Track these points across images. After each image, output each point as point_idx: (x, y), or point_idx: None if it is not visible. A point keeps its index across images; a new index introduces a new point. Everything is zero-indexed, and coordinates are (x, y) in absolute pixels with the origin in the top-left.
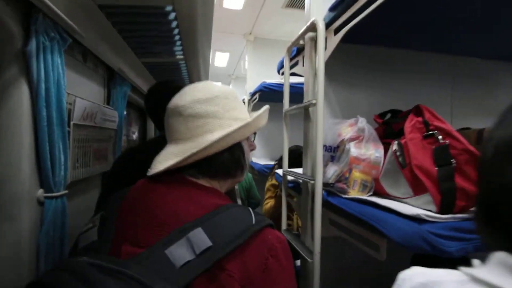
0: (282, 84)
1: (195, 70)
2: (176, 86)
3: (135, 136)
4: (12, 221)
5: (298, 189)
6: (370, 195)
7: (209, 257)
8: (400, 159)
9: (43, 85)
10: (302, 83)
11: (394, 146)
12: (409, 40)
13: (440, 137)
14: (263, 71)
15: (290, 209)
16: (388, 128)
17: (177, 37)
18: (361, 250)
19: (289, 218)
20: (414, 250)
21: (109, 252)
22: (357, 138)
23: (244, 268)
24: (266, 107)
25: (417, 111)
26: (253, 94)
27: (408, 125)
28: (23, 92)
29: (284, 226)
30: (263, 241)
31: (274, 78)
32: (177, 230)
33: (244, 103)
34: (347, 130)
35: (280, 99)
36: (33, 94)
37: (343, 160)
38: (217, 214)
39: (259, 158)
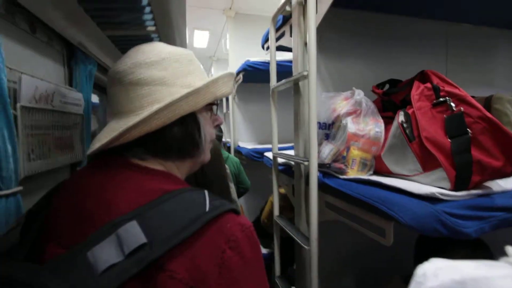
0: (267, 62)
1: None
2: None
3: None
4: None
5: (289, 172)
6: (371, 175)
7: (142, 258)
8: (407, 131)
9: None
10: (288, 61)
11: (400, 117)
12: (404, 4)
13: (452, 104)
14: (246, 51)
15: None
16: (389, 100)
17: (145, 2)
18: (361, 235)
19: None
20: (427, 233)
21: (28, 255)
22: (354, 113)
23: (192, 266)
24: (228, 71)
25: (423, 77)
26: (236, 75)
27: (415, 93)
28: None
29: (276, 212)
30: (219, 231)
31: (257, 57)
32: (108, 225)
33: None
34: (342, 104)
35: (266, 79)
36: None
37: (339, 138)
38: (161, 202)
39: (246, 142)
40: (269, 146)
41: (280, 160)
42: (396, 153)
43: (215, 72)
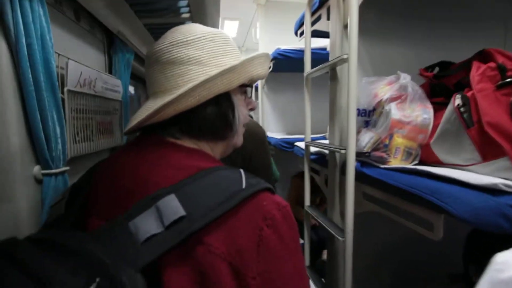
0: (299, 50)
1: None
2: None
3: None
4: (7, 203)
5: (321, 161)
6: (416, 165)
7: (182, 230)
8: (465, 116)
9: (23, 41)
10: (321, 48)
11: (457, 101)
12: None
13: None
14: (276, 40)
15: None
16: (440, 84)
17: None
18: (399, 225)
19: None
20: (488, 229)
21: (72, 226)
22: (399, 98)
23: (231, 241)
24: (263, 52)
25: (484, 56)
26: None
27: (475, 74)
28: (1, 50)
29: (307, 202)
30: (256, 208)
31: (289, 45)
32: (147, 199)
33: None
34: (385, 90)
35: (297, 68)
36: (13, 52)
37: (381, 125)
38: (198, 178)
39: (274, 132)
40: (298, 136)
41: (312, 149)
42: (449, 140)
43: None
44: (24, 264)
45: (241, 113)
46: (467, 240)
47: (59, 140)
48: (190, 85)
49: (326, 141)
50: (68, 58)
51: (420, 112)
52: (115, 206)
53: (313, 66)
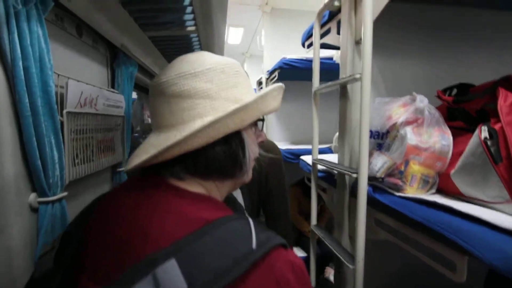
0: (305, 60)
1: (209, 47)
2: None
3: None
4: (1, 232)
5: (329, 179)
6: (432, 194)
7: None
8: (492, 150)
9: (20, 64)
10: (328, 58)
11: (483, 133)
12: None
13: None
14: (282, 47)
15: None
16: (459, 109)
17: (187, 1)
18: (412, 257)
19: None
20: None
21: (61, 284)
22: (415, 122)
23: None
24: (277, 84)
25: (509, 83)
26: (271, 72)
27: (503, 104)
28: None
29: (314, 221)
30: (267, 273)
31: (294, 54)
32: (145, 261)
33: (261, 83)
34: (399, 112)
35: (302, 77)
36: (9, 76)
37: (396, 149)
38: (203, 235)
39: (278, 141)
40: (303, 147)
41: (320, 166)
42: (473, 174)
43: (248, 69)
44: None
45: (251, 150)
46: (487, 280)
47: (57, 166)
48: (197, 124)
49: (333, 156)
50: (68, 78)
51: (438, 138)
52: (110, 264)
53: (322, 76)
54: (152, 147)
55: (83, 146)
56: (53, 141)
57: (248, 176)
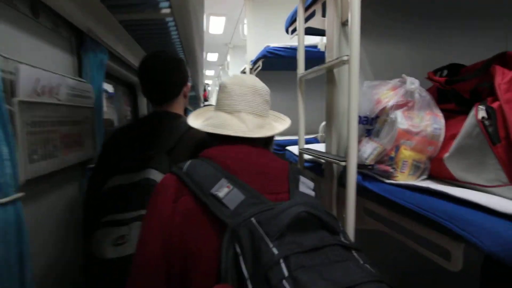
0: (289, 48)
1: (188, 34)
2: (170, 57)
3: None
4: None
5: (316, 169)
6: (424, 180)
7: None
8: (490, 130)
9: None
10: (312, 46)
11: (480, 113)
12: None
13: None
14: (265, 37)
15: None
16: (452, 90)
17: None
18: (404, 246)
19: None
20: None
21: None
22: (405, 105)
23: None
24: (288, 122)
25: (507, 60)
26: (255, 62)
27: (501, 82)
28: None
29: None
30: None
31: (278, 43)
32: (291, 178)
33: (245, 72)
34: (389, 95)
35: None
36: None
37: (386, 135)
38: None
39: None
40: (289, 137)
41: (306, 156)
42: (469, 157)
43: (231, 60)
44: None
45: None
46: (483, 271)
47: (7, 163)
48: (274, 121)
49: (320, 145)
50: (20, 62)
51: (430, 121)
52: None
53: (306, 64)
54: (257, 126)
55: (43, 140)
56: (0, 134)
57: None
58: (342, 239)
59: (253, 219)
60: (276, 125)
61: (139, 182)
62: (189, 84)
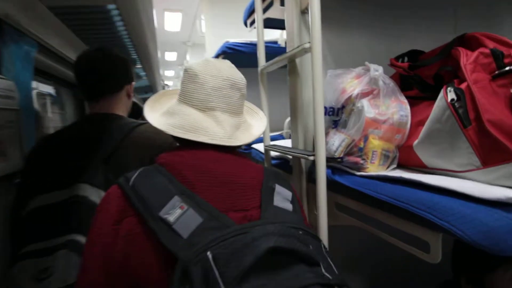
0: (250, 44)
1: (137, 27)
2: (114, 52)
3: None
4: None
5: (284, 166)
6: (393, 169)
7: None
8: (460, 112)
9: None
10: (273, 42)
11: (450, 95)
12: None
13: None
14: (225, 32)
15: None
16: (415, 75)
17: None
18: (374, 237)
19: None
20: (506, 254)
21: None
22: (371, 93)
23: None
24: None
25: (468, 41)
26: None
27: (467, 62)
28: None
29: None
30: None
31: (238, 38)
32: (265, 189)
33: None
34: (353, 84)
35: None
36: None
37: (353, 125)
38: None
39: None
40: None
41: (273, 153)
42: (440, 143)
43: (191, 59)
44: None
45: None
46: (454, 252)
47: None
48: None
49: (287, 141)
50: None
51: (396, 109)
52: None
53: (267, 61)
54: (234, 128)
55: None
56: None
57: None
58: (323, 271)
59: (208, 254)
60: (252, 124)
61: (66, 201)
62: (134, 83)
